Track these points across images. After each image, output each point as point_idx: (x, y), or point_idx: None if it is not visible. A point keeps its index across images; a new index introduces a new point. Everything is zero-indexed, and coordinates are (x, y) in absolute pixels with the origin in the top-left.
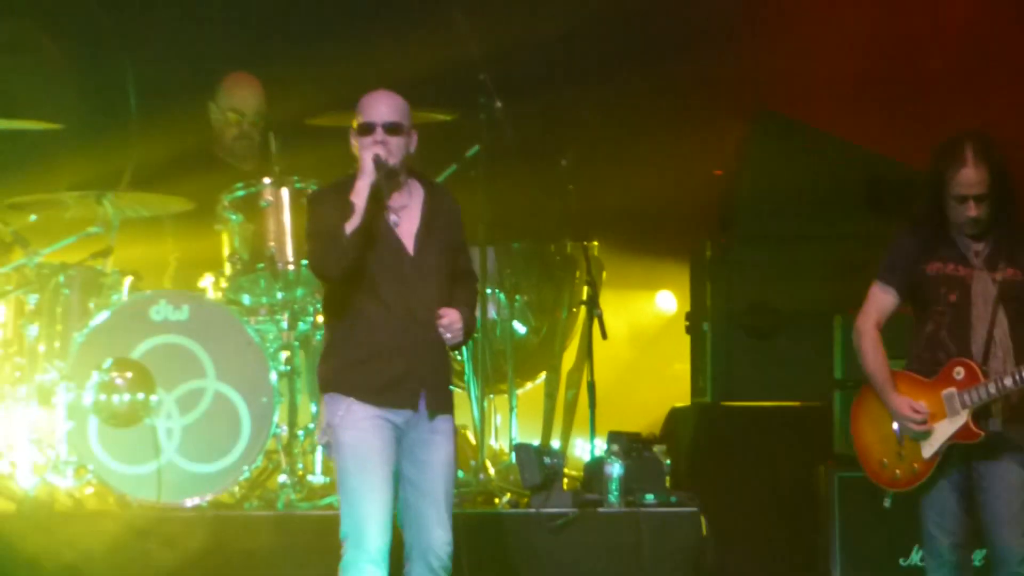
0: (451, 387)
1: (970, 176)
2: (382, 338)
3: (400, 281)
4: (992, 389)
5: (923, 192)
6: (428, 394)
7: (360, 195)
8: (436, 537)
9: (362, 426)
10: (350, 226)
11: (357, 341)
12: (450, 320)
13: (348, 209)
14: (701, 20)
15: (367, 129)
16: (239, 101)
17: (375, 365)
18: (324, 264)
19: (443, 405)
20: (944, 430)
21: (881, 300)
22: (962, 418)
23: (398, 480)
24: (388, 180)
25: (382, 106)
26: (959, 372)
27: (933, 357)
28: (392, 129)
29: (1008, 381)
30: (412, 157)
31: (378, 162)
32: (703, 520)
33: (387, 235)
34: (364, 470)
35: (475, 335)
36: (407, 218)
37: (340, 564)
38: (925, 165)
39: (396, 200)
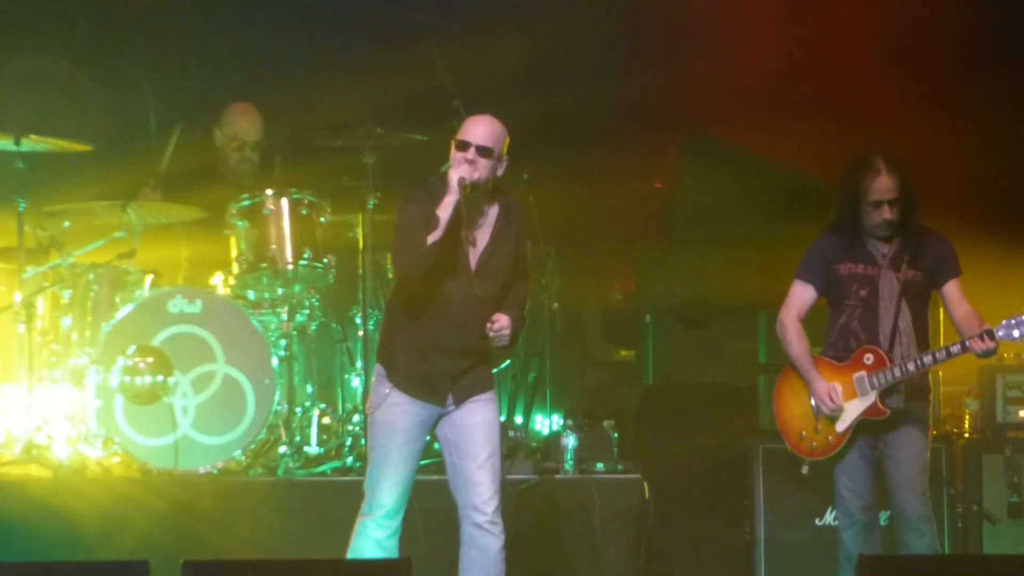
0: (489, 376)
1: (885, 183)
2: (430, 336)
3: (459, 291)
4: (897, 372)
5: (839, 201)
6: (458, 391)
7: (446, 210)
8: (476, 494)
9: (394, 411)
10: (432, 237)
11: (408, 331)
12: (500, 326)
13: (432, 220)
14: (638, 52)
15: (463, 146)
16: (240, 130)
17: (417, 359)
18: (403, 264)
19: (475, 391)
20: (855, 408)
21: (801, 295)
22: (871, 397)
23: (443, 447)
24: (471, 199)
25: (480, 129)
26: (869, 358)
27: (846, 344)
28: (484, 151)
29: (911, 366)
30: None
31: (462, 184)
32: (645, 485)
33: (457, 248)
34: (387, 447)
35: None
36: (479, 236)
37: (361, 510)
38: (835, 177)
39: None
